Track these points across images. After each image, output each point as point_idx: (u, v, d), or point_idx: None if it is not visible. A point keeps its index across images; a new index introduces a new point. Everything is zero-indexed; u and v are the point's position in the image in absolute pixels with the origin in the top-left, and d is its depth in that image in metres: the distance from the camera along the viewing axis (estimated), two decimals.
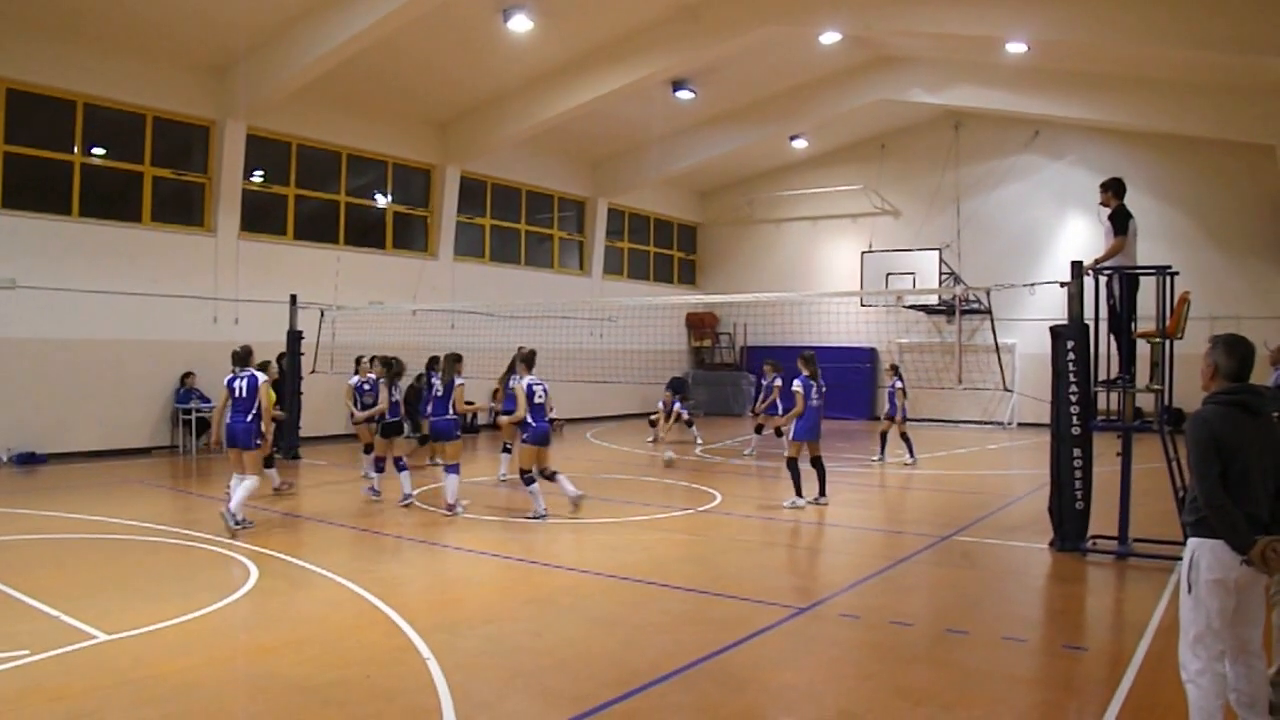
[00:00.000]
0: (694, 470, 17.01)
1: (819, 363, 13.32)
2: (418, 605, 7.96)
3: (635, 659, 6.71)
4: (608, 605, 8.18)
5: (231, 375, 11.65)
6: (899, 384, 18.28)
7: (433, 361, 13.26)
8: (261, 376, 11.67)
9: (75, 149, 18.07)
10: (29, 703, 5.71)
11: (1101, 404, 10.93)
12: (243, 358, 11.74)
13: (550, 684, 6.22)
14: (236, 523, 10.83)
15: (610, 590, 8.64)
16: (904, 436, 18.15)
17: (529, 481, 11.88)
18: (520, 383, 11.97)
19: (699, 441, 20.78)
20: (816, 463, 13.23)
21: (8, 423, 16.88)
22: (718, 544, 11.02)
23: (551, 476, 12.13)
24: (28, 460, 16.73)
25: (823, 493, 13.27)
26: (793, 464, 13.07)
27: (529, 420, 11.84)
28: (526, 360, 12.20)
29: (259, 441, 11.47)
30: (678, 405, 20.19)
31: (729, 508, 13.19)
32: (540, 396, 11.91)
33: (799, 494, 12.97)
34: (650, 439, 20.67)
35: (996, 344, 13.43)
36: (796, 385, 12.96)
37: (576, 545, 10.76)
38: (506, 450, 15.39)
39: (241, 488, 11.14)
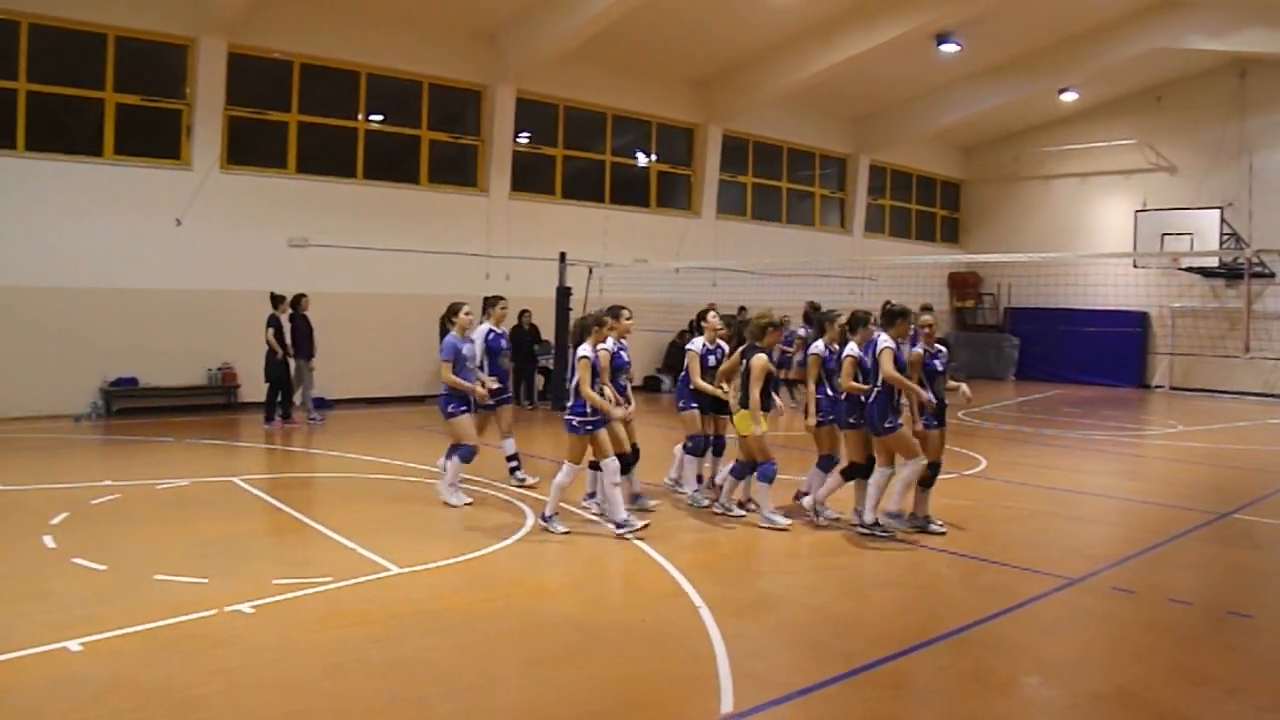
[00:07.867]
0: (955, 434, 16.43)
1: (1078, 324, 12.36)
2: (687, 557, 7.99)
3: (905, 620, 6.59)
4: (878, 566, 8.00)
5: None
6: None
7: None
8: (884, 340, 8.65)
9: (360, 116, 19.16)
10: (335, 624, 6.10)
11: None
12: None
13: (821, 640, 6.17)
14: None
15: (873, 552, 8.41)
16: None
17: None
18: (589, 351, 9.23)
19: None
20: None
21: None
22: (985, 510, 10.54)
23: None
24: (319, 405, 17.87)
25: None
26: None
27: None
28: (586, 328, 9.46)
29: (888, 425, 8.61)
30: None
31: (994, 473, 12.68)
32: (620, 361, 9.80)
33: None
34: None
35: None
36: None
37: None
38: None
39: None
